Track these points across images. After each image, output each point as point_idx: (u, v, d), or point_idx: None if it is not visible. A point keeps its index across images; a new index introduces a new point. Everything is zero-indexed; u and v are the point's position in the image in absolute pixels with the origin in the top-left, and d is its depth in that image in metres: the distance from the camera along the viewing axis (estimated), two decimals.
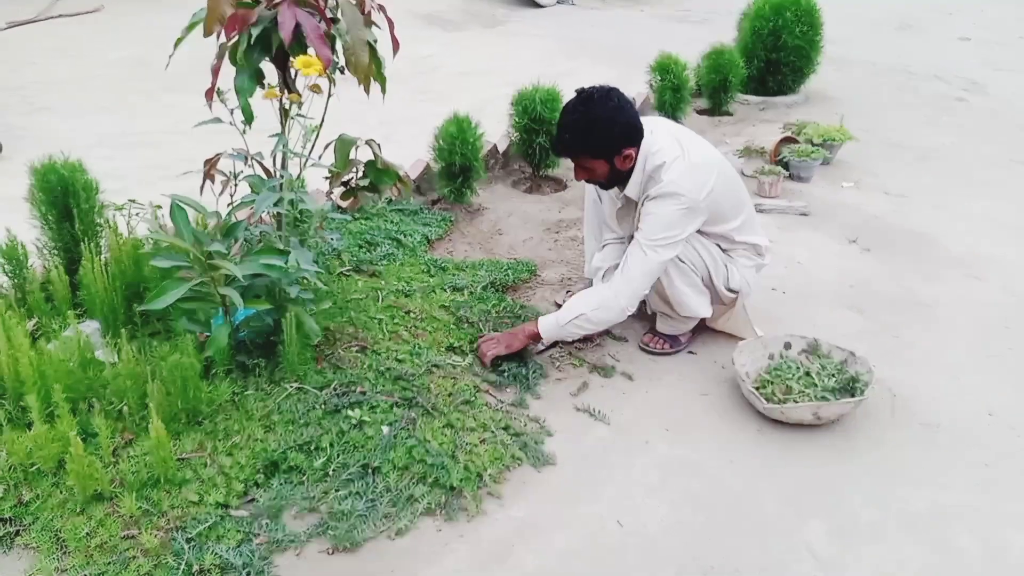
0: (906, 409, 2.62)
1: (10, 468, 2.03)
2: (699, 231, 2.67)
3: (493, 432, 2.37)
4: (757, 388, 2.55)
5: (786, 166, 4.58)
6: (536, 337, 2.70)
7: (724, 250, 2.78)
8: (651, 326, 2.95)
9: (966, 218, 4.18)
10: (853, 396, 2.48)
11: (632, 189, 2.62)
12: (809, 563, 2.02)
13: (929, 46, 8.65)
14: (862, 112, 5.99)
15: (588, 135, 2.50)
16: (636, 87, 5.58)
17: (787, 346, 2.73)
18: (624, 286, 2.61)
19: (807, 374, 2.59)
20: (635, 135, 2.55)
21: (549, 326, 2.67)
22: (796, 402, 2.47)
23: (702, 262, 2.72)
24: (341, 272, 3.17)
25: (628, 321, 2.84)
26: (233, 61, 2.27)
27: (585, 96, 2.51)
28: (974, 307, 3.29)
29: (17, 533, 1.94)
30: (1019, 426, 2.55)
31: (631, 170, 2.60)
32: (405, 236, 3.53)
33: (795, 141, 4.76)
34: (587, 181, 2.69)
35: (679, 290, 2.72)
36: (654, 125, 2.63)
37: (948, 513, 2.20)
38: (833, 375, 2.56)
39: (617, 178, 2.63)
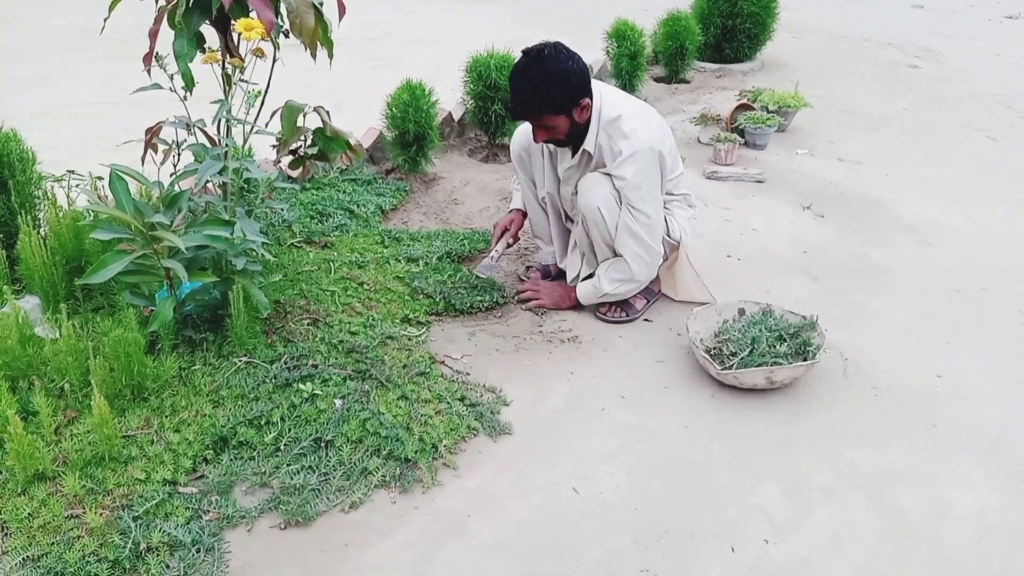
0: (857, 372, 2.65)
1: None
2: None
3: (448, 403, 2.35)
4: (710, 354, 2.56)
5: (741, 133, 4.59)
6: (576, 304, 2.89)
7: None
8: None
9: (918, 185, 4.23)
10: (805, 360, 2.50)
11: (590, 142, 2.64)
12: (762, 525, 2.04)
13: (884, 13, 8.72)
14: (817, 79, 6.02)
15: (548, 91, 2.49)
16: (593, 55, 5.54)
17: (741, 312, 2.74)
18: (635, 260, 2.72)
19: (756, 340, 2.60)
20: (588, 84, 2.57)
21: (586, 295, 2.85)
22: (748, 367, 2.48)
23: None
24: (292, 244, 3.11)
25: None
26: (172, 24, 2.19)
27: (535, 54, 2.51)
28: (925, 272, 3.34)
29: None
30: (966, 388, 2.60)
31: (587, 124, 2.62)
32: (358, 206, 3.47)
33: (751, 108, 4.77)
34: (547, 142, 2.69)
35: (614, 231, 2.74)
36: (597, 85, 2.67)
37: (897, 474, 2.23)
38: (786, 339, 2.58)
39: (574, 133, 2.63)
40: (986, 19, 8.65)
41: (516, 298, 2.95)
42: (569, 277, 3.00)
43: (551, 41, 2.56)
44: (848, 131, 5.02)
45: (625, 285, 2.77)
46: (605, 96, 2.64)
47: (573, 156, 2.74)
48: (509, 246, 3.10)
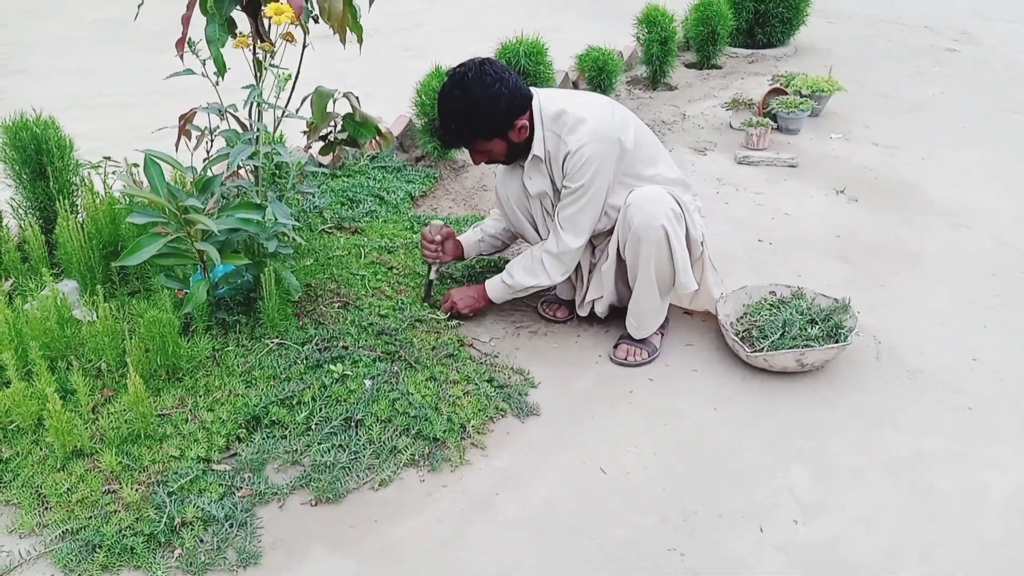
0: (891, 356, 2.62)
1: None
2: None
3: (477, 384, 2.36)
4: (740, 336, 2.54)
5: (774, 118, 4.53)
6: (489, 303, 2.69)
7: None
8: (619, 337, 2.64)
9: (955, 168, 4.15)
10: (837, 342, 2.48)
11: (538, 147, 2.42)
12: (791, 507, 2.03)
13: None
14: (852, 63, 5.92)
15: (474, 119, 2.34)
16: (623, 40, 5.51)
17: (772, 295, 2.72)
18: (555, 262, 2.52)
19: (787, 322, 2.58)
20: (523, 102, 2.37)
21: (499, 293, 2.65)
22: (779, 349, 2.46)
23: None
24: (323, 229, 3.14)
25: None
26: (204, 10, 2.22)
27: (459, 78, 2.34)
28: (961, 255, 3.28)
29: None
30: (1002, 371, 2.56)
31: (530, 138, 2.43)
32: (388, 193, 3.50)
33: (784, 93, 4.70)
34: (488, 163, 2.53)
35: (681, 256, 2.45)
36: (537, 90, 2.47)
37: (930, 457, 2.21)
38: (817, 322, 2.56)
39: (517, 151, 2.46)
40: None
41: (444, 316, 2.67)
42: (587, 300, 2.69)
43: (478, 59, 2.37)
44: (883, 115, 4.94)
45: (540, 278, 2.54)
46: (543, 96, 2.43)
47: (524, 166, 2.50)
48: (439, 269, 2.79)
